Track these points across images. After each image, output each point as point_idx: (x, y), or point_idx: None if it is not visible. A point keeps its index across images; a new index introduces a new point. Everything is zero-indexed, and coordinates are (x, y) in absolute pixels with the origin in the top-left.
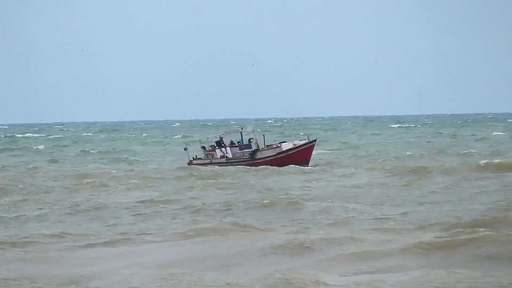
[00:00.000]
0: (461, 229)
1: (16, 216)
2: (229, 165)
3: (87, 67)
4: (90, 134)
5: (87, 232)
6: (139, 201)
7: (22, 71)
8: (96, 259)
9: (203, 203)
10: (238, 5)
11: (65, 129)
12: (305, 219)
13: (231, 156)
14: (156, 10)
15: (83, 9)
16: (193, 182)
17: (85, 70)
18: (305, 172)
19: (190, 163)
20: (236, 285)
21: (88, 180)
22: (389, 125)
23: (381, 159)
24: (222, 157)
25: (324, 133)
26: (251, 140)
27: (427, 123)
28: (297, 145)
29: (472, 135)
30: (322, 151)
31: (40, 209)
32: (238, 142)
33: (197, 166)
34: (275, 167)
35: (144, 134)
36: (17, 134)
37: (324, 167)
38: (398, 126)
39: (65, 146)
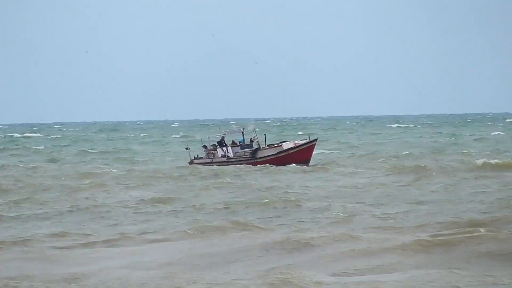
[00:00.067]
0: (461, 228)
1: (16, 215)
2: (230, 164)
3: (87, 67)
4: (90, 134)
5: (87, 231)
6: (139, 201)
7: (22, 71)
8: (96, 259)
9: (203, 202)
10: (238, 5)
11: (64, 129)
12: (305, 218)
13: (232, 155)
14: (155, 10)
15: (83, 9)
16: (193, 181)
17: (85, 70)
18: (306, 172)
19: (191, 162)
20: (236, 283)
21: (88, 180)
22: (388, 125)
23: (381, 159)
24: (223, 156)
25: (324, 132)
26: (253, 139)
27: (427, 123)
28: (298, 144)
29: (471, 135)
30: (322, 150)
31: (40, 208)
32: (239, 142)
33: (198, 166)
34: (276, 166)
35: (144, 134)
36: (16, 134)
37: (324, 166)
38: (398, 126)
39: (65, 146)
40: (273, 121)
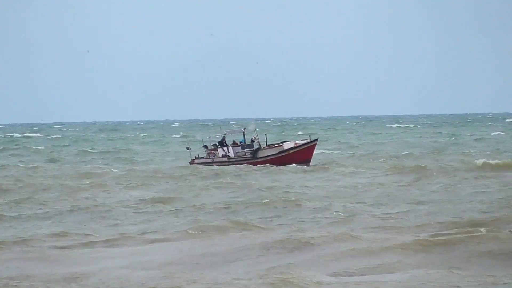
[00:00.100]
0: (461, 228)
1: (16, 215)
2: (230, 164)
3: (87, 67)
4: (90, 134)
5: (88, 231)
6: (139, 200)
7: (22, 71)
8: (96, 258)
9: (204, 202)
10: (237, 5)
11: (64, 129)
12: (306, 218)
13: (233, 155)
14: (156, 10)
15: (83, 9)
16: (194, 181)
17: (85, 70)
18: (306, 171)
19: (192, 162)
20: (236, 283)
21: (88, 180)
22: (388, 125)
23: (381, 159)
24: (224, 156)
25: (324, 132)
26: (254, 139)
27: (427, 123)
28: (299, 144)
29: (471, 135)
30: (322, 150)
31: (40, 208)
32: (240, 142)
33: (199, 165)
34: (276, 166)
35: (144, 134)
36: (16, 134)
37: (324, 166)
38: (397, 126)
39: (65, 146)
40: (273, 121)
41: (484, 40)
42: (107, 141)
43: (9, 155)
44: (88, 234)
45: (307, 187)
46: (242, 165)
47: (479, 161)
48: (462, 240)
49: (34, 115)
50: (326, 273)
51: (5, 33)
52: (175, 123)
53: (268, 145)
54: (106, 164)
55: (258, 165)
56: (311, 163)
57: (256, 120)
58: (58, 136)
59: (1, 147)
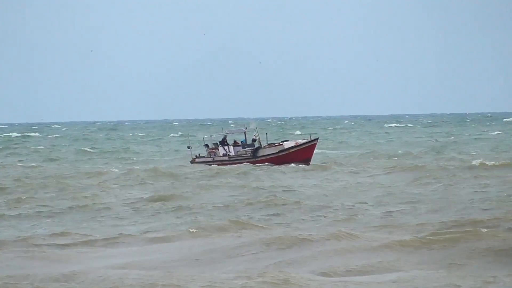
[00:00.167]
0: (461, 227)
1: (16, 214)
2: (231, 163)
3: (87, 67)
4: (89, 133)
5: (87, 230)
6: (139, 200)
7: (22, 71)
8: (96, 257)
9: (204, 201)
10: (238, 5)
11: (64, 128)
12: (305, 217)
13: (233, 154)
14: (156, 10)
15: (84, 9)
16: (194, 180)
17: (85, 70)
18: (306, 171)
19: (193, 161)
20: (235, 282)
21: (88, 179)
22: (388, 125)
23: (380, 158)
24: (224, 155)
25: (324, 132)
26: (255, 137)
27: (426, 122)
28: (299, 143)
29: (470, 134)
30: (321, 150)
31: (40, 208)
32: (241, 142)
33: (200, 164)
34: (276, 165)
35: (144, 133)
36: (16, 133)
37: (324, 165)
38: (397, 126)
39: (64, 145)
40: (272, 120)
41: (484, 40)
42: (107, 140)
43: (9, 154)
44: (88, 233)
45: (307, 186)
46: (242, 164)
47: (478, 161)
48: (462, 238)
49: (34, 115)
50: (325, 271)
51: (5, 33)
52: (175, 123)
53: (269, 144)
54: (106, 164)
55: (258, 164)
56: (311, 163)
57: (255, 119)
58: (57, 135)
59: (1, 147)
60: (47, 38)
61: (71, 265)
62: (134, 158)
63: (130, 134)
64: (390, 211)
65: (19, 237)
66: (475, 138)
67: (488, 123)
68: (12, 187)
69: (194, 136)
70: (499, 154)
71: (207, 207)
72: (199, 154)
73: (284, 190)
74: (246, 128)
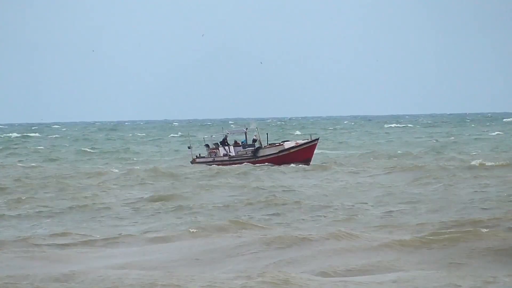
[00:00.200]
0: (461, 227)
1: (16, 214)
2: (231, 163)
3: (86, 68)
4: (89, 133)
5: (87, 230)
6: (139, 200)
7: (21, 71)
8: (96, 257)
9: (204, 201)
10: (237, 5)
11: (64, 128)
12: (305, 217)
13: (233, 154)
14: (155, 11)
15: (84, 10)
16: (194, 180)
17: (85, 71)
18: (306, 171)
19: (193, 161)
20: (234, 281)
21: (88, 179)
22: (388, 125)
23: (380, 159)
24: (225, 155)
25: (324, 132)
26: (255, 137)
27: (426, 123)
28: (299, 144)
29: (470, 134)
30: (321, 150)
31: (40, 208)
32: (242, 142)
33: (200, 164)
34: (276, 165)
35: (144, 134)
36: (16, 133)
37: (324, 166)
38: (397, 126)
39: (64, 145)
40: (272, 120)
41: (484, 40)
42: (106, 140)
43: (8, 154)
44: (88, 233)
45: (307, 186)
46: (243, 164)
47: (478, 161)
48: (462, 238)
49: (34, 115)
50: (325, 271)
51: (5, 33)
52: (175, 123)
53: (269, 144)
54: (106, 164)
55: (258, 164)
56: (311, 163)
57: (255, 120)
58: (57, 136)
59: (1, 147)
60: (46, 39)
61: (71, 265)
62: (134, 159)
63: (130, 135)
64: (390, 211)
65: (19, 237)
66: (475, 138)
67: (488, 123)
68: (12, 187)
69: (194, 136)
70: (499, 154)
71: (207, 207)
72: (199, 154)
73: (284, 190)
74: (247, 128)
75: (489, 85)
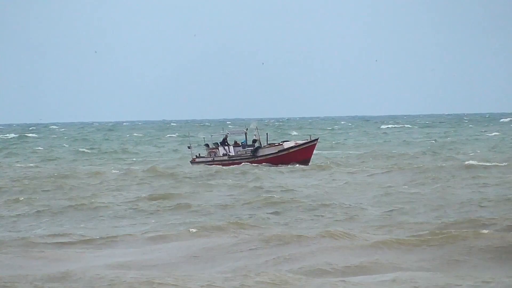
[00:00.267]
0: (459, 226)
1: (14, 214)
2: (231, 163)
3: (85, 68)
4: (88, 134)
5: (86, 230)
6: (137, 200)
7: (20, 72)
8: (95, 257)
9: (203, 201)
10: (235, 5)
11: (62, 129)
12: (304, 216)
13: (233, 154)
14: (154, 11)
15: (82, 10)
16: (193, 180)
17: (83, 71)
18: (304, 171)
19: (193, 161)
20: (233, 281)
21: (87, 179)
22: (386, 125)
23: (378, 159)
24: (224, 155)
25: (321, 132)
26: (255, 137)
27: (424, 123)
28: (299, 144)
29: (468, 135)
30: (319, 151)
31: (38, 208)
32: (242, 143)
33: (200, 164)
34: (275, 165)
35: (142, 134)
36: (14, 134)
37: (322, 166)
38: (395, 126)
39: (63, 146)
40: (270, 121)
41: (482, 41)
42: (104, 141)
43: (6, 155)
44: (87, 233)
45: (306, 186)
46: (242, 164)
47: (475, 161)
48: (460, 237)
49: (32, 115)
50: (324, 270)
51: (5, 33)
52: (172, 123)
53: (269, 144)
54: (104, 164)
55: (258, 164)
56: (310, 163)
57: (254, 120)
58: (55, 136)
59: None
60: (44, 40)
61: (70, 264)
62: (134, 159)
63: (128, 135)
64: (389, 211)
65: (17, 237)
66: (474, 139)
67: (486, 124)
68: (10, 188)
69: (193, 136)
70: (497, 154)
71: (206, 207)
72: (199, 154)
73: (282, 190)
74: (247, 129)
75: (487, 85)
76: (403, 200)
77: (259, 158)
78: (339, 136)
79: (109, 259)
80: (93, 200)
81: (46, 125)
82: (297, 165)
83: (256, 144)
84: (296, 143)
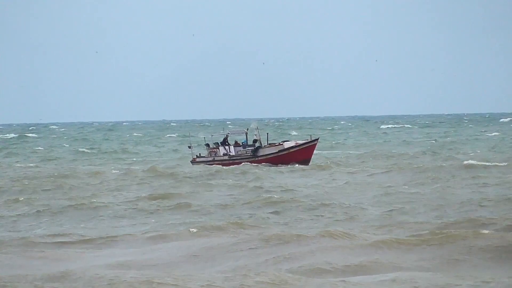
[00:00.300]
0: (459, 226)
1: (14, 214)
2: (231, 163)
3: (85, 69)
4: (87, 133)
5: (86, 230)
6: (138, 199)
7: (20, 72)
8: (94, 257)
9: (203, 201)
10: (235, 5)
11: (62, 129)
12: (304, 216)
13: (233, 154)
14: (154, 11)
15: (82, 10)
16: (193, 180)
17: (83, 71)
18: (305, 170)
19: (193, 160)
20: (233, 280)
21: (87, 179)
22: (386, 125)
23: (378, 159)
24: (225, 154)
25: (321, 132)
26: (256, 137)
27: (424, 123)
28: (299, 143)
29: (468, 135)
30: (319, 150)
31: (38, 208)
32: (242, 143)
33: (200, 164)
34: (275, 165)
35: (142, 134)
36: (14, 134)
37: (322, 166)
38: (395, 126)
39: (63, 145)
40: (270, 121)
41: (483, 40)
42: (104, 141)
43: (6, 155)
44: (87, 233)
45: (306, 186)
46: (242, 163)
47: (477, 161)
48: (460, 237)
49: (32, 115)
50: (324, 270)
51: (5, 33)
52: (172, 123)
53: (269, 144)
54: (104, 164)
55: (258, 164)
56: (310, 163)
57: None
58: (55, 136)
59: None
60: (44, 40)
61: (70, 264)
62: (133, 159)
63: (128, 135)
64: (389, 211)
65: (17, 237)
66: (474, 139)
67: (486, 124)
68: (10, 188)
69: (194, 136)
70: (497, 154)
71: (206, 207)
72: (199, 154)
73: (282, 190)
74: (247, 129)
75: (487, 85)
76: (403, 200)
77: (259, 158)
78: (339, 136)
79: (109, 259)
80: (93, 200)
81: (46, 125)
82: (297, 165)
83: (257, 144)
84: (296, 143)
